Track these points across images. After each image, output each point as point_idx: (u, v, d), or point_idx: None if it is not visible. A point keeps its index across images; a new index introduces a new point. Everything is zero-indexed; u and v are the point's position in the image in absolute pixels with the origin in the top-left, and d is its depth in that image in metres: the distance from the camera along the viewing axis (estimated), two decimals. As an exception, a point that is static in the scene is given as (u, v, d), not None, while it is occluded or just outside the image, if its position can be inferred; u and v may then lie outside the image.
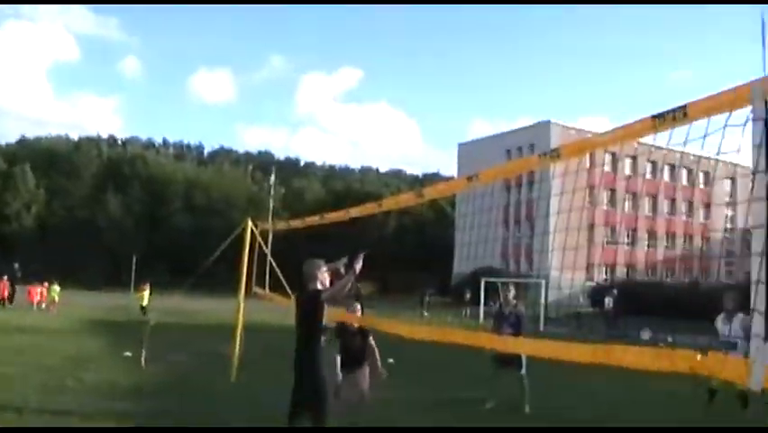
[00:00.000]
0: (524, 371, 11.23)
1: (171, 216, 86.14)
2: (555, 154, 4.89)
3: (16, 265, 38.63)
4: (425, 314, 41.45)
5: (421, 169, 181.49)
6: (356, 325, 8.43)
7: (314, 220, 10.73)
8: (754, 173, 2.96)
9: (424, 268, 75.54)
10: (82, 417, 9.15)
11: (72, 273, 77.63)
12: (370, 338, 8.61)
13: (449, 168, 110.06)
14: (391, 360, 12.32)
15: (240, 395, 11.56)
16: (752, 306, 3.06)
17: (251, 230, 13.66)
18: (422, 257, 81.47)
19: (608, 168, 60.82)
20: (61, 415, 9.17)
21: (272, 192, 73.46)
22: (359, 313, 8.54)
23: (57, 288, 34.25)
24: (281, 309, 11.37)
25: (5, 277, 35.81)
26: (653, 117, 3.76)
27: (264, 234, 14.46)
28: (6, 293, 34.41)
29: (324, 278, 7.10)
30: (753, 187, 3.04)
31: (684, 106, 3.54)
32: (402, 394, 11.29)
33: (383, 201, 8.79)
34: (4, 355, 15.32)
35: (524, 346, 7.57)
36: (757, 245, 3.05)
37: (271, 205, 66.12)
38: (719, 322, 10.79)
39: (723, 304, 10.88)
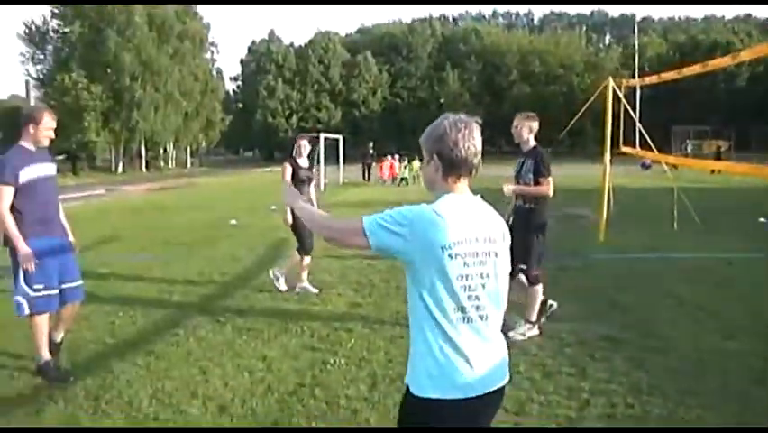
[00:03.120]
0: None
1: (509, 86, 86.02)
2: None
3: (371, 144, 40.95)
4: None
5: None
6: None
7: (693, 69, 9.60)
8: None
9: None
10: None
11: (418, 150, 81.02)
12: None
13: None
14: None
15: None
16: None
17: (613, 90, 12.92)
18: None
19: None
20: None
21: (636, 46, 69.44)
22: None
23: (417, 164, 35.33)
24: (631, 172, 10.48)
25: (391, 156, 39.25)
26: None
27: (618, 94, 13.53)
28: (392, 173, 37.12)
29: None
30: None
31: None
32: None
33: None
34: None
35: None
36: None
37: (637, 59, 61.90)
38: None
39: None
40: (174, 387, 5.60)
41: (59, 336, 6.20)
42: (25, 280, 5.67)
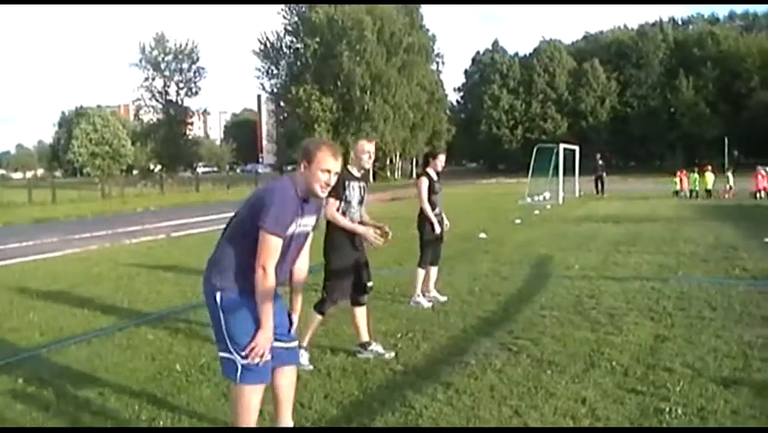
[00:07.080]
0: None
1: (749, 93, 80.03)
2: None
3: (599, 156, 39.10)
4: None
5: None
6: None
7: None
8: None
9: None
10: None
11: (648, 161, 77.88)
12: None
13: None
14: None
15: None
16: None
17: None
18: None
19: None
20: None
21: None
22: None
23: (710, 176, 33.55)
24: None
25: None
26: None
27: None
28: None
29: None
30: None
31: None
32: None
33: None
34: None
35: None
36: None
37: None
38: None
39: None
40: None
41: (284, 421, 4.57)
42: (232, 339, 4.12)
